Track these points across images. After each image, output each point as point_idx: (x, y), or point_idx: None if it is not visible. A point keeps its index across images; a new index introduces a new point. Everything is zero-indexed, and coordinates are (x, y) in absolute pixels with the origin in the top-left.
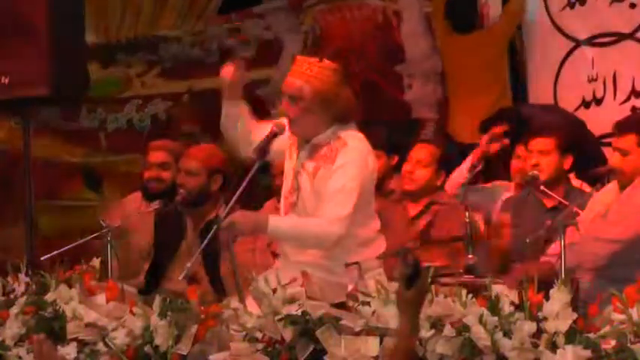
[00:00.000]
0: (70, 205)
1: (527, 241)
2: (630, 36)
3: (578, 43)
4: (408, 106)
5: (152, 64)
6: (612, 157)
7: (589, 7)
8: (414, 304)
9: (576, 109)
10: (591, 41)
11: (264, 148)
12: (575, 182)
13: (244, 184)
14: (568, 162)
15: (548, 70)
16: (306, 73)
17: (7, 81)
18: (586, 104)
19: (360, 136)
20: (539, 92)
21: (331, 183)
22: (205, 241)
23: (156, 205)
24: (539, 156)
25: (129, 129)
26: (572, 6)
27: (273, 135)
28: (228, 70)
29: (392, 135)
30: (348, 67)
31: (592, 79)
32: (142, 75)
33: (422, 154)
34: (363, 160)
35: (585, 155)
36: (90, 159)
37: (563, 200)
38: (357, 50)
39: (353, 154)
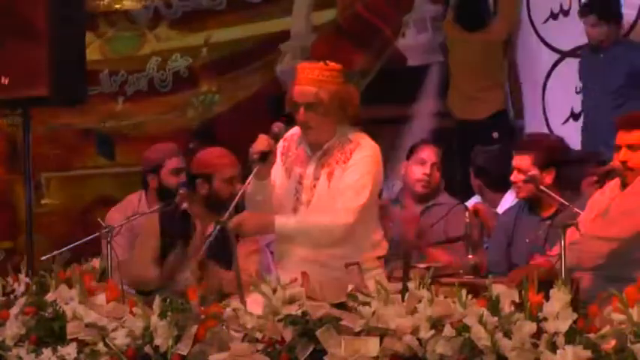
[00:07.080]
0: (83, 174)
1: (527, 241)
2: None
3: (563, 55)
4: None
5: (160, 17)
6: (619, 153)
7: (573, 18)
8: None
9: (565, 121)
10: (576, 52)
11: (265, 151)
12: None
13: (244, 186)
14: (549, 177)
15: (535, 83)
16: (317, 79)
17: (7, 81)
18: (575, 116)
19: (368, 137)
20: (528, 105)
21: (345, 178)
22: (209, 242)
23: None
24: (518, 173)
25: (148, 91)
26: (555, 17)
27: (274, 136)
28: (262, 142)
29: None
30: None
31: (579, 91)
32: (153, 28)
33: (434, 156)
34: (376, 158)
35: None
36: (103, 124)
37: (562, 200)
38: None
39: (366, 152)
